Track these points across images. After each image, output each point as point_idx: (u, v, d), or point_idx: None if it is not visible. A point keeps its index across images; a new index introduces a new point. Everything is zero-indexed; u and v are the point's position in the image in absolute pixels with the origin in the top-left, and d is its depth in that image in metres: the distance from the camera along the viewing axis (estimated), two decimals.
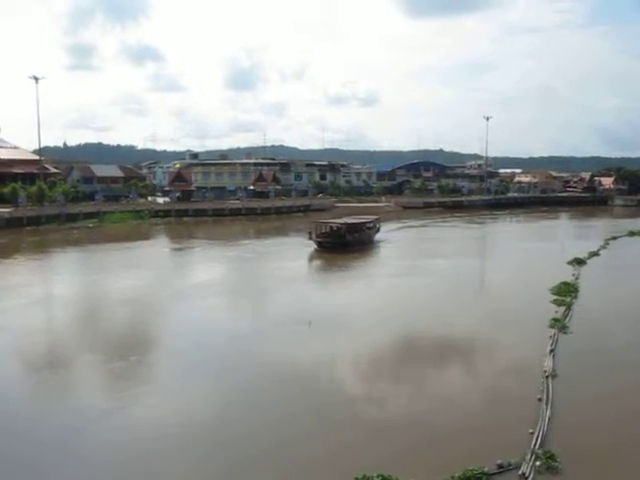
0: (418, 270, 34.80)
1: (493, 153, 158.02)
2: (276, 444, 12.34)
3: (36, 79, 67.74)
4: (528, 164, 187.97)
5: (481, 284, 32.90)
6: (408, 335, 20.75)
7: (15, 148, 78.98)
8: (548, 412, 13.39)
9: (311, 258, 39.55)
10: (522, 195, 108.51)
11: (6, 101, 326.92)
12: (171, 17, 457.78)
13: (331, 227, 44.99)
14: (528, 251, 44.16)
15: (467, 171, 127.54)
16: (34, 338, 20.49)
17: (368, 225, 47.92)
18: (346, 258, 38.71)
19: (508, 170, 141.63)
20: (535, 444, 11.84)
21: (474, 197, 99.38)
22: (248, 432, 12.82)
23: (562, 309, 23.25)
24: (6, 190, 63.59)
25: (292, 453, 12.02)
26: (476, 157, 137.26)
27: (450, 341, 20.10)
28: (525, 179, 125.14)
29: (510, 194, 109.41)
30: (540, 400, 14.14)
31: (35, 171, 70.83)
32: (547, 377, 15.60)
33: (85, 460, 11.70)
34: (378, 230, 49.77)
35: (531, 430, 12.44)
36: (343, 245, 41.77)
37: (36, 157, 75.31)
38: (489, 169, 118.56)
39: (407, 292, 28.54)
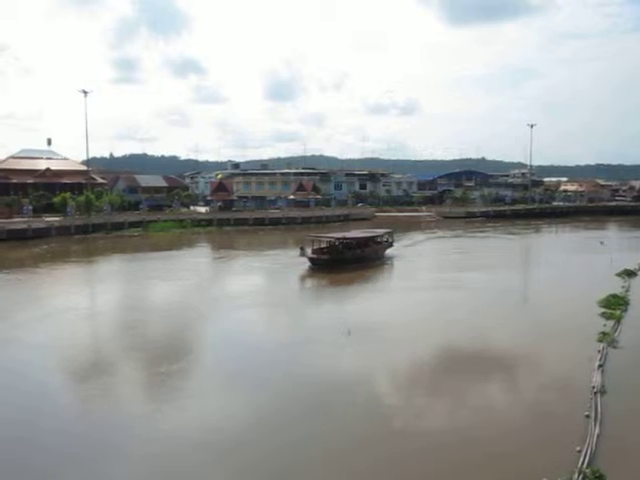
0: (450, 284, 33.96)
1: (537, 161, 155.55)
2: (322, 455, 12.35)
3: (85, 93, 70.52)
4: (574, 172, 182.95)
5: (524, 297, 31.99)
6: (446, 347, 20.37)
7: (65, 159, 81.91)
8: (597, 429, 12.85)
9: (318, 276, 36.41)
10: (568, 204, 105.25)
11: (57, 114, 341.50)
12: (212, 30, 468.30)
13: (329, 242, 41.06)
14: (574, 262, 42.94)
15: (510, 180, 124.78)
16: (79, 344, 21.06)
17: (376, 239, 44.04)
18: (361, 274, 37.15)
19: (553, 179, 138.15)
20: (583, 463, 11.37)
21: (518, 206, 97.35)
22: (290, 442, 12.83)
23: (611, 322, 22.38)
24: (57, 200, 66.18)
25: (336, 466, 11.92)
26: (520, 165, 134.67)
27: (493, 354, 19.63)
28: (571, 188, 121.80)
29: (555, 203, 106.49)
30: (588, 417, 13.59)
31: (83, 181, 73.56)
32: (595, 393, 14.99)
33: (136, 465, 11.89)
34: (391, 244, 45.53)
35: (578, 448, 11.96)
36: (340, 262, 37.69)
37: (84, 168, 78.12)
38: (533, 178, 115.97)
39: (437, 307, 28.04)
